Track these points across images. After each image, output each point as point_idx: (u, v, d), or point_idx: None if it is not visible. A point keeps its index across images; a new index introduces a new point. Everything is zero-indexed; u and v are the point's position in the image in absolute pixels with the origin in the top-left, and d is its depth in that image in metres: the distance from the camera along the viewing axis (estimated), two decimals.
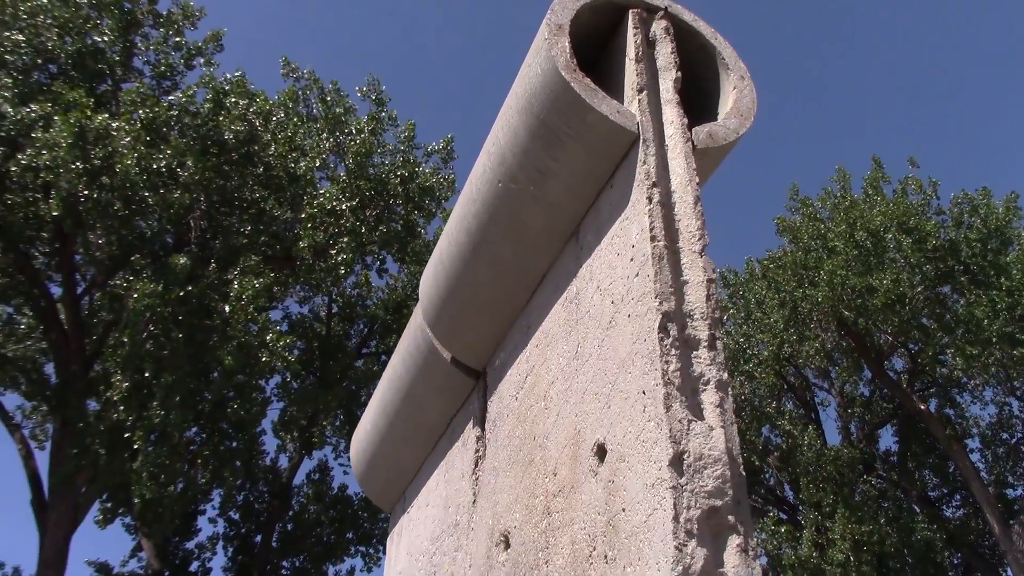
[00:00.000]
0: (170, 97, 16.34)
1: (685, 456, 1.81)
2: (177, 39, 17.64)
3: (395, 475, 3.97)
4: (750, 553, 1.74)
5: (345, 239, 16.32)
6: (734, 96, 2.54)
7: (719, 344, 2.01)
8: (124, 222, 14.88)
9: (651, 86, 2.45)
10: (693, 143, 2.36)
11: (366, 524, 21.83)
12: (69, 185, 14.22)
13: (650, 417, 1.91)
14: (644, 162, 2.27)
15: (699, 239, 2.16)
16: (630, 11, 2.56)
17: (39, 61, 16.95)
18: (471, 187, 2.89)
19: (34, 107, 15.29)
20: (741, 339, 20.78)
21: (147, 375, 13.82)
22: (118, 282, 16.15)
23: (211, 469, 16.14)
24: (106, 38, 17.35)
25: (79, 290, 18.44)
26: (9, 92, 15.72)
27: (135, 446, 14.14)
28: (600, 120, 2.34)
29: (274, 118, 16.54)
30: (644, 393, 1.96)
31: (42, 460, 19.09)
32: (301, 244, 15.97)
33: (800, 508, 21.00)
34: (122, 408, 14.17)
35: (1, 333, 20.03)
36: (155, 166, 14.64)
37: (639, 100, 2.39)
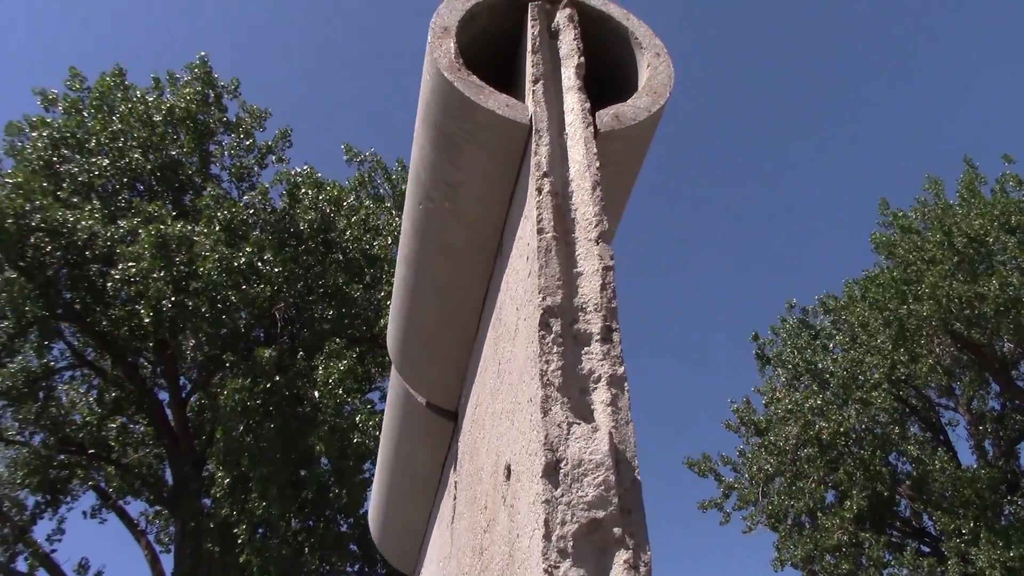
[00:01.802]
0: (245, 197, 16.96)
1: (562, 464, 1.57)
2: (248, 142, 18.38)
3: (407, 535, 3.78)
4: (641, 569, 1.48)
5: None
6: (648, 74, 2.34)
7: (615, 336, 1.78)
8: (212, 323, 15.35)
9: (551, 76, 2.28)
10: (596, 128, 2.16)
11: None
12: (156, 293, 14.80)
13: (534, 425, 1.69)
14: (536, 153, 2.08)
15: (595, 226, 1.94)
16: (530, 3, 2.41)
17: (125, 180, 17.90)
18: (404, 216, 2.75)
19: (121, 223, 16.08)
20: (848, 365, 19.75)
21: (244, 469, 14.04)
22: (215, 381, 16.64)
23: (319, 556, 16.18)
24: (184, 150, 18.23)
25: (184, 393, 19.09)
26: (99, 213, 16.58)
27: (240, 540, 14.32)
28: (489, 117, 2.17)
29: (345, 203, 16.94)
30: (531, 400, 1.74)
31: (168, 564, 19.61)
32: (383, 322, 16.14)
33: (941, 538, 19.55)
34: (226, 504, 14.42)
35: (118, 442, 20.90)
36: (235, 264, 15.12)
37: (533, 91, 2.21)
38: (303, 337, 16.15)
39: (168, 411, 18.92)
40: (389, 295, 16.45)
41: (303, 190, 16.79)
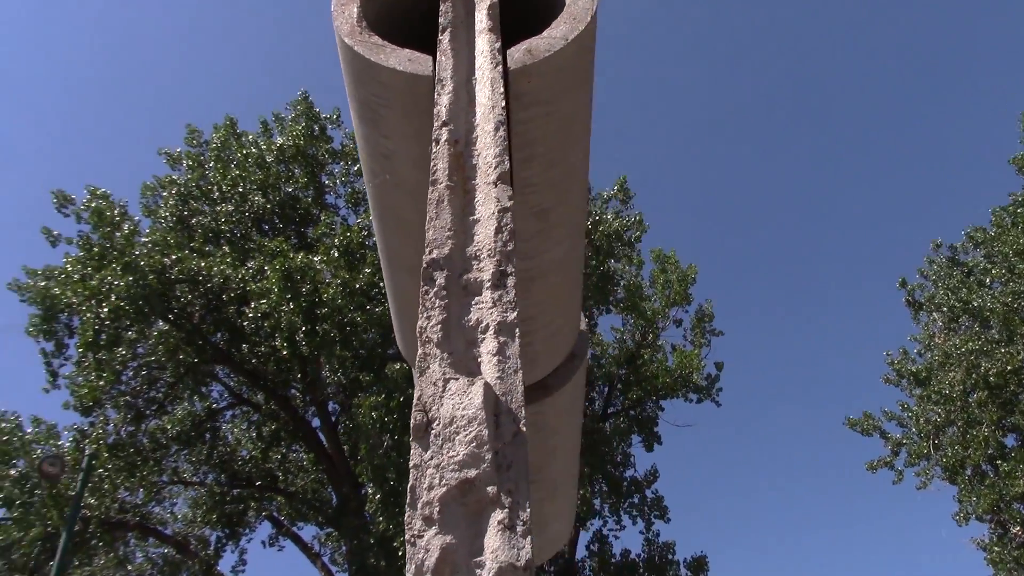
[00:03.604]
0: (358, 220, 17.40)
1: (434, 425, 1.44)
2: (356, 167, 18.87)
3: None
4: (518, 529, 1.33)
5: None
6: (569, 2, 2.16)
7: (509, 281, 1.62)
8: (344, 346, 15.82)
9: (463, 22, 2.14)
10: (507, 66, 2.01)
11: None
12: (289, 325, 15.39)
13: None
14: (436, 102, 1.95)
15: (495, 168, 1.80)
16: None
17: (250, 222, 18.74)
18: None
19: (250, 264, 16.83)
20: (1009, 298, 18.26)
21: (393, 482, 14.37)
22: (355, 401, 17.14)
23: None
24: (299, 185, 18.94)
25: (334, 417, 19.79)
26: (230, 257, 17.41)
27: (400, 552, 14.66)
28: (392, 75, 2.05)
29: None
30: None
31: None
32: None
33: None
34: (381, 518, 14.81)
35: (283, 471, 21.90)
36: (357, 286, 15.53)
37: (440, 40, 2.08)
38: None
39: (321, 436, 19.67)
40: None
41: None
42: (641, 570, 21.04)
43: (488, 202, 1.74)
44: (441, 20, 2.12)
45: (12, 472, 18.68)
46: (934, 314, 20.50)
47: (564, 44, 2.05)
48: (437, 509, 1.35)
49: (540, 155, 2.24)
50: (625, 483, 20.69)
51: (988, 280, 19.60)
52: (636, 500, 20.80)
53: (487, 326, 1.57)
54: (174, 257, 17.23)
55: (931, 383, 19.49)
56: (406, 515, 1.36)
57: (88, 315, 16.71)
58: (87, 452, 15.96)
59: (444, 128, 1.88)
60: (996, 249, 19.08)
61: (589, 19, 2.10)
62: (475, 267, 1.66)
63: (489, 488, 1.36)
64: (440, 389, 1.47)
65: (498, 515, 1.34)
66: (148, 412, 19.20)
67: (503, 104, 1.91)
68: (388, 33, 2.28)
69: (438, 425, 1.43)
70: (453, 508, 1.35)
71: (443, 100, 1.94)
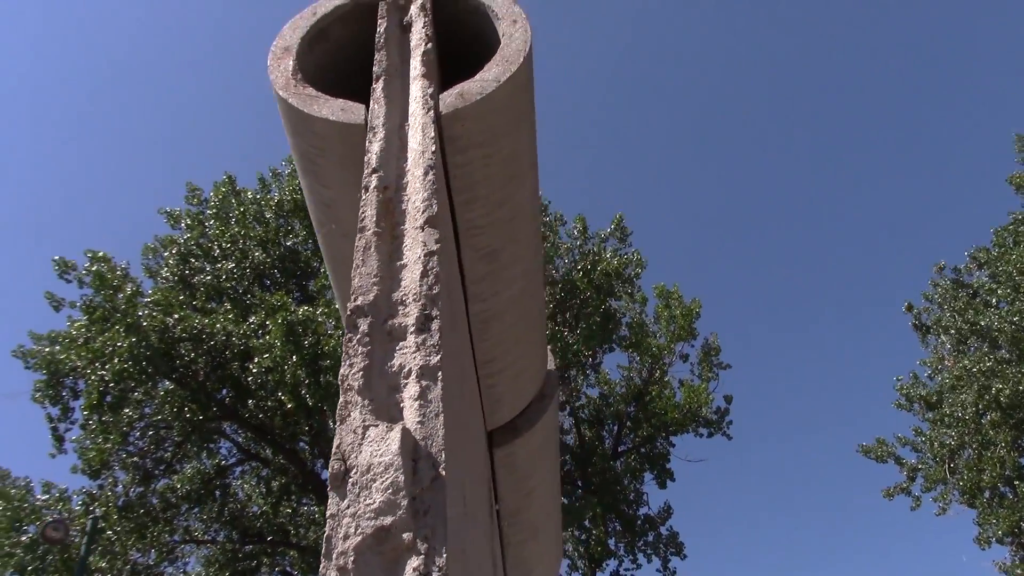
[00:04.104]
0: None
1: (352, 473, 1.42)
2: None
3: None
4: (433, 575, 1.31)
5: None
6: (503, 43, 2.19)
7: (433, 324, 1.62)
8: None
9: (398, 70, 2.17)
10: (439, 111, 2.03)
11: None
12: (292, 379, 15.38)
13: None
14: (368, 150, 1.96)
15: (423, 212, 1.80)
16: (380, 1, 2.30)
17: (251, 278, 18.82)
18: None
19: (252, 319, 16.87)
20: (1016, 317, 18.13)
21: None
22: None
23: None
24: (298, 239, 19.05)
25: None
26: (232, 313, 17.47)
27: None
28: (326, 125, 2.07)
29: None
30: None
31: None
32: None
33: None
34: None
35: (294, 525, 21.70)
36: None
37: (373, 89, 2.10)
38: None
39: None
40: None
41: None
42: None
43: (415, 246, 1.75)
44: (375, 68, 2.15)
45: (24, 538, 18.58)
46: (942, 337, 20.38)
47: (496, 86, 2.06)
48: (352, 559, 1.33)
49: (483, 197, 2.25)
50: (639, 521, 20.45)
51: (994, 300, 19.50)
52: (651, 538, 20.54)
53: (410, 371, 1.56)
54: (176, 316, 17.28)
55: (943, 406, 19.30)
56: (321, 566, 1.34)
57: (93, 378, 16.73)
58: (94, 515, 15.87)
59: (374, 175, 1.89)
60: (1000, 269, 19.00)
61: (521, 60, 2.12)
62: (400, 312, 1.66)
63: (405, 535, 1.35)
64: (359, 436, 1.46)
65: (414, 562, 1.32)
66: (157, 472, 19.12)
67: (433, 148, 1.92)
68: (333, 85, 2.31)
69: (356, 473, 1.42)
70: (368, 557, 1.33)
71: (373, 147, 1.95)
